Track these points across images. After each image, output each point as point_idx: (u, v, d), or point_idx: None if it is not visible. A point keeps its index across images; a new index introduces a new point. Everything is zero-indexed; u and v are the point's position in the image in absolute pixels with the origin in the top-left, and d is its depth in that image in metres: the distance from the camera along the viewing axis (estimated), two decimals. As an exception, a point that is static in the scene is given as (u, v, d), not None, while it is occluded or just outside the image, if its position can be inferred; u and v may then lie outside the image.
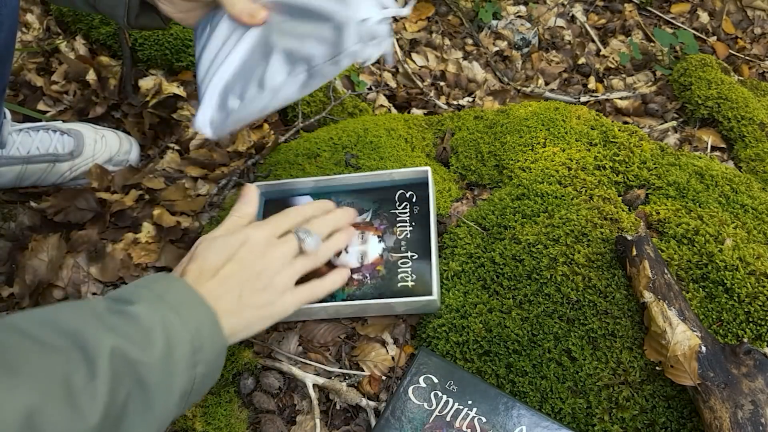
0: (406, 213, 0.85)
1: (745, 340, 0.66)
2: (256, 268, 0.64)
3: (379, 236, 0.83)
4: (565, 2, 1.57)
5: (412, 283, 0.78)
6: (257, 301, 0.64)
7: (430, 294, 0.76)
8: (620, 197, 0.90)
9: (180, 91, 1.18)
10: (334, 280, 0.74)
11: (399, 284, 0.78)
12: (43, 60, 1.27)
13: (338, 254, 0.82)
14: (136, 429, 0.47)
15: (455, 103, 1.33)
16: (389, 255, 0.81)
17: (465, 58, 1.44)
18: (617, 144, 0.94)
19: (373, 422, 0.74)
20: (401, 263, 0.80)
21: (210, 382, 0.57)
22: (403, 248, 0.81)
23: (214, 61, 0.68)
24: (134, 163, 1.11)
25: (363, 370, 0.78)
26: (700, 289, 0.76)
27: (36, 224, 1.01)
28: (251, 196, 0.74)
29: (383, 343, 0.80)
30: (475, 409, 0.70)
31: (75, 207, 1.00)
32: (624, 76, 1.39)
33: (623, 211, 0.86)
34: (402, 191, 0.87)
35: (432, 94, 1.32)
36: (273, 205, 0.88)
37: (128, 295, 0.54)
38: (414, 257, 0.80)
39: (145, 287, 0.56)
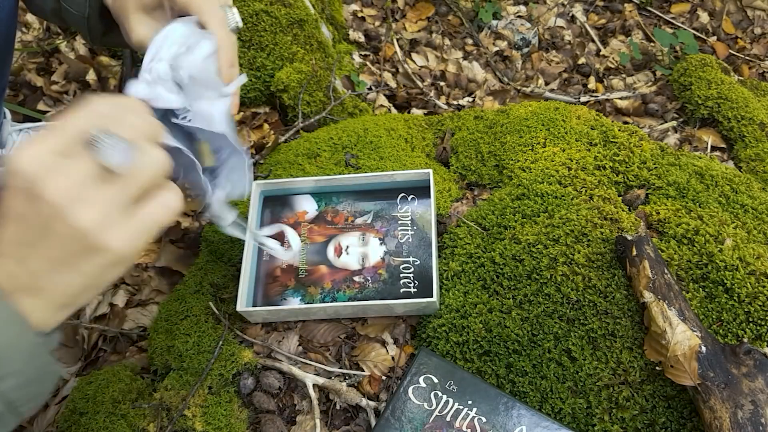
0: (407, 216, 0.85)
1: (745, 340, 0.66)
2: (40, 217, 0.40)
3: (380, 239, 0.83)
4: (565, 2, 1.57)
5: (414, 290, 0.78)
6: (60, 264, 0.42)
7: (430, 296, 0.76)
8: (620, 197, 0.90)
9: (180, 91, 1.18)
10: (165, 201, 0.44)
11: (402, 290, 0.78)
12: (43, 60, 1.27)
13: (338, 255, 0.82)
14: None
15: (455, 103, 1.33)
16: (391, 258, 0.81)
17: (465, 58, 1.44)
18: (617, 144, 0.94)
19: (373, 422, 0.74)
20: (403, 268, 0.80)
21: (38, 387, 0.44)
22: (404, 252, 0.81)
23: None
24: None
25: (363, 370, 0.78)
26: (700, 289, 0.76)
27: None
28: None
29: (383, 343, 0.80)
30: (475, 409, 0.70)
31: (75, 207, 1.00)
32: (624, 76, 1.39)
33: (623, 211, 0.86)
34: (403, 194, 0.87)
35: (432, 94, 1.32)
36: (272, 201, 0.88)
37: None
38: (416, 262, 0.80)
39: None
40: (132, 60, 1.22)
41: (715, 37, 1.48)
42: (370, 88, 1.30)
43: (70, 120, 0.42)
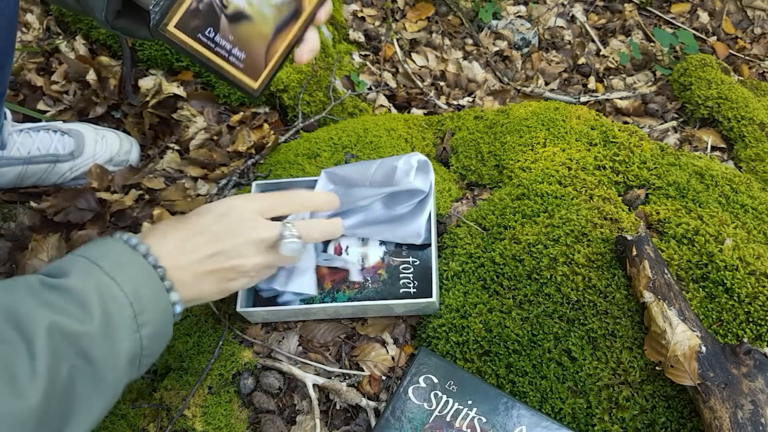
0: None
1: (745, 340, 0.67)
2: (227, 246, 0.62)
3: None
4: (565, 2, 1.57)
5: (414, 290, 0.78)
6: (218, 277, 0.62)
7: (430, 296, 0.76)
8: (620, 197, 0.90)
9: (180, 91, 1.18)
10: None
11: (401, 290, 0.78)
12: (43, 60, 1.27)
13: (339, 254, 0.82)
14: (89, 399, 0.48)
15: (455, 103, 1.33)
16: (390, 259, 0.81)
17: (465, 58, 1.44)
18: (617, 144, 0.94)
19: (373, 422, 0.74)
20: (403, 268, 0.80)
21: (161, 342, 0.57)
22: (404, 253, 0.81)
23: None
24: (134, 163, 1.11)
25: (363, 370, 0.78)
26: (700, 289, 0.76)
27: (36, 224, 1.01)
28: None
29: (383, 343, 0.80)
30: (475, 409, 0.70)
31: (75, 207, 1.00)
32: (624, 76, 1.39)
33: (623, 211, 0.86)
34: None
35: (432, 94, 1.32)
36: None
37: (65, 266, 0.53)
38: (416, 263, 0.80)
39: (82, 254, 0.54)
40: (132, 60, 1.22)
41: (715, 37, 1.48)
42: (370, 88, 1.30)
43: (286, 200, 0.69)
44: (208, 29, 0.59)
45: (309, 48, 0.63)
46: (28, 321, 0.46)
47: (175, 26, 0.58)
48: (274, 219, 0.67)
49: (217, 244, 0.61)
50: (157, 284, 0.56)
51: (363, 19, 1.49)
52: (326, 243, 0.83)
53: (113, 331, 0.50)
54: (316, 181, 0.87)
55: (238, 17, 0.60)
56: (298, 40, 0.62)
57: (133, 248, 0.56)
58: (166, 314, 0.56)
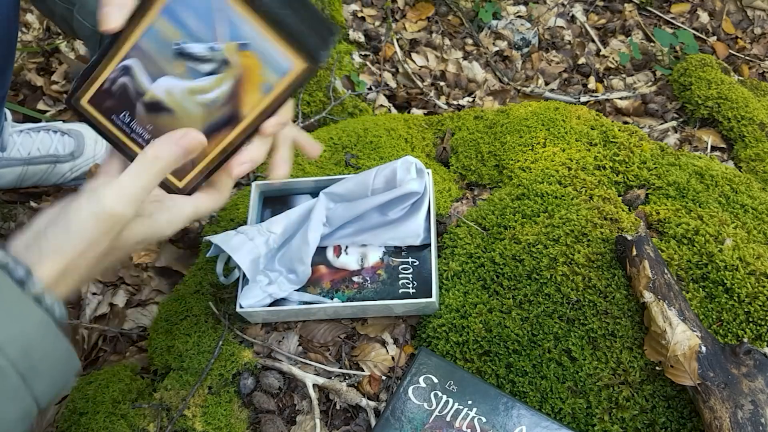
0: None
1: (745, 340, 0.67)
2: (119, 255, 0.52)
3: None
4: (565, 2, 1.57)
5: (413, 291, 0.78)
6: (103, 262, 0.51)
7: (429, 296, 0.76)
8: (620, 197, 0.90)
9: (180, 91, 1.18)
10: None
11: (400, 290, 0.78)
12: (43, 60, 1.27)
13: (337, 255, 0.82)
14: None
15: (455, 103, 1.33)
16: (390, 259, 0.81)
17: (465, 58, 1.44)
18: (617, 144, 0.94)
19: (373, 422, 0.74)
20: (402, 269, 0.80)
21: (62, 375, 0.47)
22: (404, 253, 0.81)
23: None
24: (134, 164, 1.11)
25: (363, 370, 0.78)
26: (700, 289, 0.76)
27: (36, 224, 1.00)
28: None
29: (383, 343, 0.80)
30: (475, 409, 0.70)
31: (75, 207, 1.00)
32: (624, 76, 1.39)
33: (623, 211, 0.86)
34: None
35: (432, 94, 1.32)
36: (271, 202, 0.88)
37: None
38: (415, 263, 0.80)
39: None
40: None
41: (715, 37, 1.48)
42: (370, 88, 1.30)
43: (151, 171, 0.50)
44: (123, 113, 0.54)
45: (241, 160, 0.54)
46: None
47: (88, 101, 0.54)
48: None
49: (107, 257, 0.50)
50: (51, 329, 0.44)
51: (363, 19, 1.49)
52: (324, 245, 0.83)
53: None
54: (316, 180, 0.87)
55: (156, 107, 0.53)
56: (236, 148, 0.53)
57: (19, 284, 0.44)
58: (64, 353, 0.46)
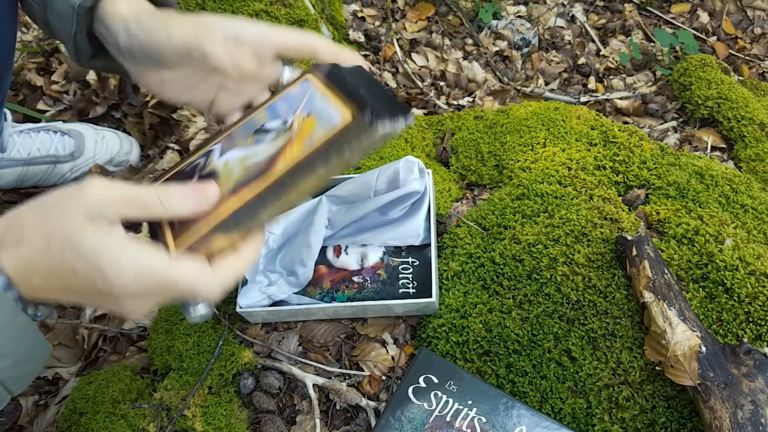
0: None
1: (745, 340, 0.66)
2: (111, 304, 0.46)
3: None
4: (565, 2, 1.57)
5: (413, 291, 0.78)
6: (80, 298, 0.47)
7: (429, 296, 0.76)
8: (620, 197, 0.90)
9: (180, 91, 1.18)
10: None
11: (400, 290, 0.78)
12: (43, 60, 1.27)
13: (337, 255, 0.82)
14: None
15: (455, 103, 1.33)
16: (390, 259, 0.81)
17: (465, 58, 1.44)
18: (617, 144, 0.94)
19: (373, 422, 0.74)
20: (402, 269, 0.80)
21: (29, 366, 0.46)
22: (404, 253, 0.81)
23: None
24: (134, 163, 1.11)
25: (363, 370, 0.78)
26: (700, 289, 0.76)
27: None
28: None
29: (383, 343, 0.80)
30: (475, 409, 0.70)
31: (75, 207, 1.00)
32: (624, 76, 1.39)
33: (623, 211, 0.86)
34: None
35: (432, 94, 1.32)
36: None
37: None
38: (415, 263, 0.80)
39: None
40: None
41: (715, 37, 1.48)
42: (370, 88, 1.30)
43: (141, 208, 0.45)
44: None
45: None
46: None
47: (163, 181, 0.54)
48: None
49: (64, 266, 0.44)
50: (7, 304, 0.43)
51: (363, 19, 1.49)
52: (324, 245, 0.83)
53: None
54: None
55: (205, 177, 0.51)
56: (256, 202, 0.47)
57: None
58: (24, 336, 0.45)
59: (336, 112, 0.47)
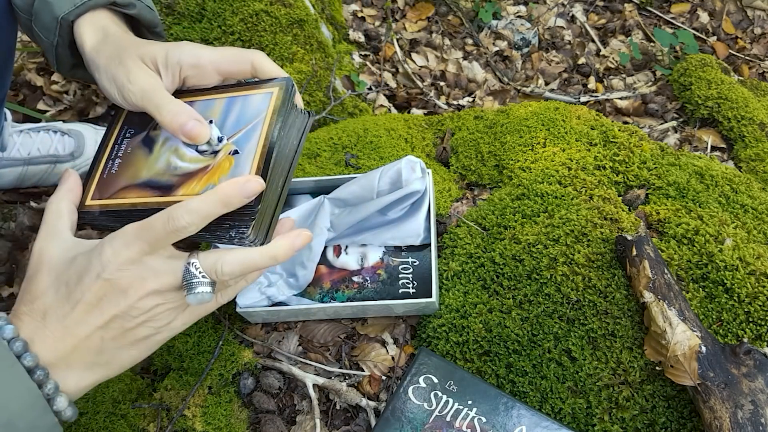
0: None
1: (745, 340, 0.67)
2: (122, 308, 0.49)
3: None
4: (565, 2, 1.57)
5: (413, 291, 0.78)
6: (129, 340, 0.51)
7: (429, 296, 0.76)
8: (620, 197, 0.90)
9: (180, 91, 1.18)
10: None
11: (400, 290, 0.78)
12: (43, 60, 1.27)
13: (337, 255, 0.82)
14: None
15: (455, 103, 1.33)
16: (390, 259, 0.81)
17: (465, 58, 1.44)
18: (617, 144, 0.94)
19: (373, 422, 0.74)
20: (402, 268, 0.80)
21: None
22: (404, 253, 0.81)
23: None
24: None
25: (363, 370, 0.78)
26: (700, 289, 0.76)
27: (36, 224, 1.01)
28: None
29: (383, 343, 0.80)
30: (475, 409, 0.70)
31: (75, 207, 1.00)
32: (624, 76, 1.39)
33: (623, 211, 0.86)
34: None
35: (432, 94, 1.32)
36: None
37: None
38: (415, 263, 0.80)
39: None
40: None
41: (715, 37, 1.48)
42: (370, 88, 1.30)
43: (166, 226, 0.48)
44: (132, 129, 0.61)
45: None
46: None
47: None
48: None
49: (108, 308, 0.48)
50: (38, 401, 0.45)
51: (363, 19, 1.49)
52: (324, 245, 0.83)
53: None
54: (316, 180, 0.87)
55: (147, 143, 0.59)
56: (140, 215, 0.50)
57: (7, 345, 0.45)
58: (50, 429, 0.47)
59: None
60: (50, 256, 0.51)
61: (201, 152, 0.56)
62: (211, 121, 0.56)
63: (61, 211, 0.54)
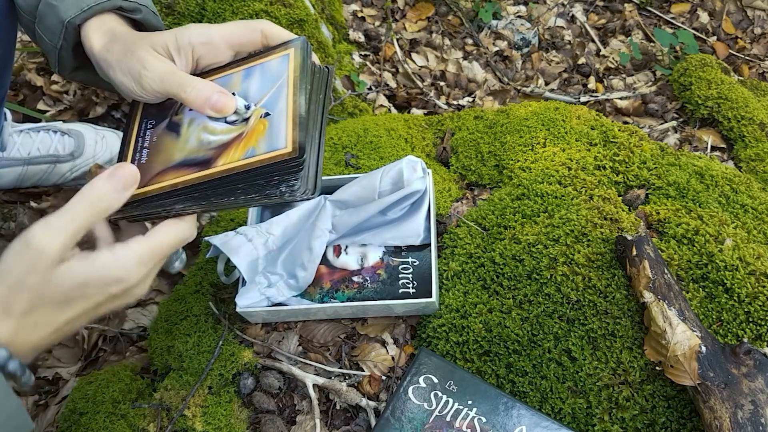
0: None
1: (745, 340, 0.67)
2: (84, 307, 0.51)
3: None
4: (565, 2, 1.57)
5: (413, 291, 0.78)
6: (84, 320, 0.53)
7: (429, 296, 0.76)
8: (620, 197, 0.90)
9: (180, 91, 1.18)
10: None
11: (400, 290, 0.78)
12: (43, 60, 1.27)
13: (337, 255, 0.82)
14: None
15: (455, 103, 1.33)
16: (390, 259, 0.81)
17: (465, 58, 1.44)
18: (617, 144, 0.94)
19: (373, 422, 0.74)
20: (402, 268, 0.80)
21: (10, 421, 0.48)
22: (404, 253, 0.81)
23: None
24: (134, 164, 1.11)
25: (363, 370, 0.78)
26: (700, 289, 0.76)
27: (36, 224, 1.00)
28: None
29: (383, 343, 0.80)
30: (475, 409, 0.70)
31: (75, 207, 1.00)
32: (624, 76, 1.39)
33: (623, 211, 0.86)
34: None
35: (432, 94, 1.32)
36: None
37: None
38: (415, 263, 0.80)
39: None
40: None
41: (715, 37, 1.48)
42: (370, 88, 1.30)
43: (89, 209, 0.50)
44: (152, 120, 0.60)
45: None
46: None
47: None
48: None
49: (70, 308, 0.50)
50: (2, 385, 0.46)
51: (363, 19, 1.49)
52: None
53: None
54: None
55: (173, 127, 0.59)
56: (182, 192, 0.54)
57: None
58: (14, 411, 0.48)
59: (282, 138, 0.52)
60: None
61: (231, 123, 0.56)
62: (234, 94, 0.56)
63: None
